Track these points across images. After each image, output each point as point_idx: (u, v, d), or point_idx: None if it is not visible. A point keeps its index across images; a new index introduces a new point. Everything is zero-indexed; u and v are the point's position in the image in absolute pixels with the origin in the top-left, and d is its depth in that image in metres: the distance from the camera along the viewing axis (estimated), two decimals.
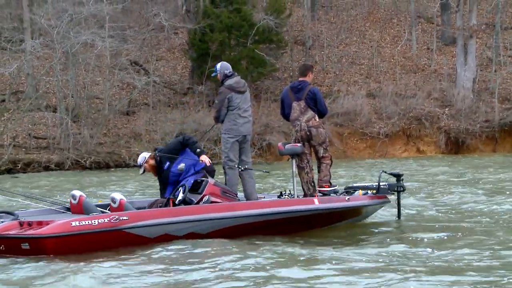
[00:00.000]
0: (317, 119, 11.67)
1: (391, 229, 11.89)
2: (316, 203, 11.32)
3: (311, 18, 42.57)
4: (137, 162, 11.69)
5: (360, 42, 43.11)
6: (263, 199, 11.71)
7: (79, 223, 9.59)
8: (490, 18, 43.48)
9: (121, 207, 10.43)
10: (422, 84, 39.16)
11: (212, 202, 10.79)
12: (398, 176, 12.02)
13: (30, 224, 9.75)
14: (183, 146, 11.22)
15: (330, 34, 42.86)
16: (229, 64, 11.61)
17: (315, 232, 11.30)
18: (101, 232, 9.68)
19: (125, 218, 9.87)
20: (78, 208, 10.77)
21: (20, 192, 13.75)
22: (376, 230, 11.68)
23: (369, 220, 12.59)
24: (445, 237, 10.65)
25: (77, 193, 10.92)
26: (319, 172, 11.83)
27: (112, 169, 31.75)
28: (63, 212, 10.96)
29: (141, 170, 11.56)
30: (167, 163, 11.28)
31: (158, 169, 11.42)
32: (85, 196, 10.91)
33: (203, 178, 11.11)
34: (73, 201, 10.90)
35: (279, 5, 38.00)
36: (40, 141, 33.71)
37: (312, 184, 11.79)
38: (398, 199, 12.19)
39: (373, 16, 45.51)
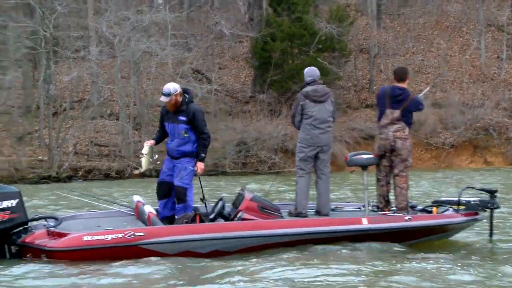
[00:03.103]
0: (406, 132, 10.90)
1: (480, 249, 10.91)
2: (365, 222, 10.48)
3: (377, 26, 41.92)
4: (164, 90, 10.61)
5: (427, 50, 42.33)
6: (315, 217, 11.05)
7: (91, 237, 9.55)
8: None
9: (148, 221, 10.29)
10: (490, 94, 38.21)
11: (244, 218, 10.36)
12: (491, 193, 10.95)
13: (54, 234, 9.80)
14: (197, 133, 10.68)
15: (396, 43, 42.19)
16: (316, 71, 11.14)
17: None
18: (114, 247, 9.55)
19: (140, 234, 9.67)
20: (137, 213, 10.91)
21: (92, 194, 13.95)
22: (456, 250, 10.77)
23: (459, 237, 11.66)
24: None
25: (136, 198, 11.14)
26: (395, 195, 11.08)
27: None
28: (130, 214, 11.13)
29: (167, 99, 10.54)
30: (183, 118, 10.65)
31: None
32: (142, 202, 10.94)
33: (242, 192, 10.81)
34: (133, 206, 11.15)
35: (341, 13, 37.50)
36: (102, 148, 33.96)
37: (386, 198, 11.18)
38: (491, 217, 11.06)
39: (441, 24, 44.58)
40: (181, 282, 8.34)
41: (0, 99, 32.62)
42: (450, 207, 11.08)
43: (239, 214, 10.40)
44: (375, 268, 8.84)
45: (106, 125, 35.04)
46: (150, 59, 35.03)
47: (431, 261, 9.42)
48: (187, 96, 10.71)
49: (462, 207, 10.91)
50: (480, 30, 41.46)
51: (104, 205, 11.98)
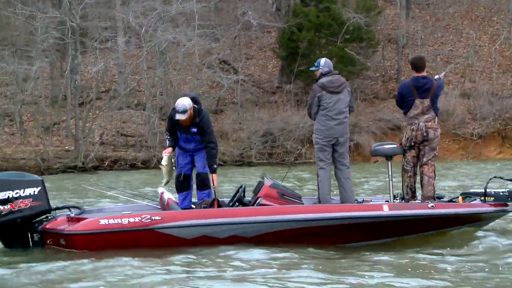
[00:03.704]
0: (436, 121, 10.87)
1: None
2: (386, 209, 10.20)
3: (406, 16, 41.51)
4: (179, 107, 10.43)
5: (456, 40, 41.78)
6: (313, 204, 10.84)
7: (108, 221, 9.63)
8: None
9: (167, 206, 10.35)
10: None
11: (263, 204, 10.24)
12: None
13: (73, 220, 9.90)
14: (204, 142, 10.63)
15: (424, 33, 41.74)
16: (331, 63, 11.05)
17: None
18: (131, 231, 9.59)
19: (157, 218, 9.69)
20: (161, 204, 10.92)
21: (119, 188, 14.35)
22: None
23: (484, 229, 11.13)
24: None
25: (160, 190, 11.14)
26: (421, 184, 10.90)
27: None
28: (156, 208, 11.06)
29: (184, 116, 10.41)
30: (195, 129, 10.60)
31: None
32: (165, 192, 10.94)
33: (262, 179, 10.70)
34: (158, 198, 11.18)
35: (369, 3, 37.19)
36: (129, 138, 34.03)
37: (413, 189, 10.98)
38: None
39: (471, 14, 43.98)
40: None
41: (27, 89, 32.73)
42: (478, 197, 10.80)
43: (258, 201, 10.32)
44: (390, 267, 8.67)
45: (132, 115, 35.10)
46: (176, 49, 35.01)
47: (452, 255, 9.25)
48: (196, 106, 10.62)
49: (491, 198, 10.65)
50: (511, 20, 40.88)
51: (131, 199, 12.04)
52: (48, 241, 9.93)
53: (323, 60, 11.00)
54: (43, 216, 10.13)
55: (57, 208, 10.42)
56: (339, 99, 10.75)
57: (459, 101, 35.96)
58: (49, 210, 10.14)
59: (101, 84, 35.33)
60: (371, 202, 11.19)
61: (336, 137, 10.78)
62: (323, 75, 10.85)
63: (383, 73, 39.31)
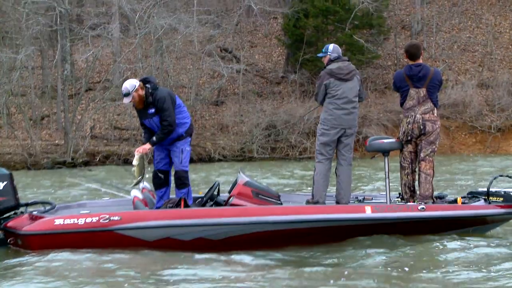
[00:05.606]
0: (435, 113, 10.24)
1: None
2: (368, 211, 9.57)
3: (421, 0, 39.67)
4: (122, 90, 10.20)
5: (475, 27, 40.11)
6: (290, 205, 10.21)
7: (63, 221, 9.26)
8: None
9: (133, 205, 10.06)
10: None
11: (234, 204, 9.72)
12: None
13: (34, 219, 9.53)
14: (161, 115, 10.11)
15: (440, 19, 39.97)
16: (340, 49, 10.56)
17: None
18: (87, 232, 9.18)
19: (116, 218, 9.23)
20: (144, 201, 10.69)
21: (105, 182, 14.01)
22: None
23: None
24: None
25: (141, 185, 10.73)
26: (418, 182, 10.26)
27: (196, 163, 29.76)
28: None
29: (128, 99, 10.12)
30: (152, 110, 10.19)
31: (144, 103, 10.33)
32: (147, 188, 10.65)
33: (238, 174, 10.21)
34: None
35: None
36: (123, 132, 32.35)
37: (411, 188, 10.35)
38: None
39: None
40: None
41: (13, 79, 30.86)
42: (484, 198, 10.10)
43: (230, 200, 9.88)
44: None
45: (127, 107, 33.23)
46: (173, 36, 33.26)
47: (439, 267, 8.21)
48: (148, 86, 10.24)
49: (499, 199, 9.92)
50: None
51: (118, 193, 11.57)
52: (9, 240, 9.57)
53: (331, 46, 10.53)
54: (12, 212, 9.84)
55: (27, 204, 10.03)
56: (348, 87, 10.28)
57: (476, 92, 34.40)
58: (16, 206, 9.82)
59: (93, 74, 33.51)
60: (372, 201, 10.71)
61: (344, 128, 10.27)
62: (332, 61, 10.40)
63: (395, 61, 37.50)
